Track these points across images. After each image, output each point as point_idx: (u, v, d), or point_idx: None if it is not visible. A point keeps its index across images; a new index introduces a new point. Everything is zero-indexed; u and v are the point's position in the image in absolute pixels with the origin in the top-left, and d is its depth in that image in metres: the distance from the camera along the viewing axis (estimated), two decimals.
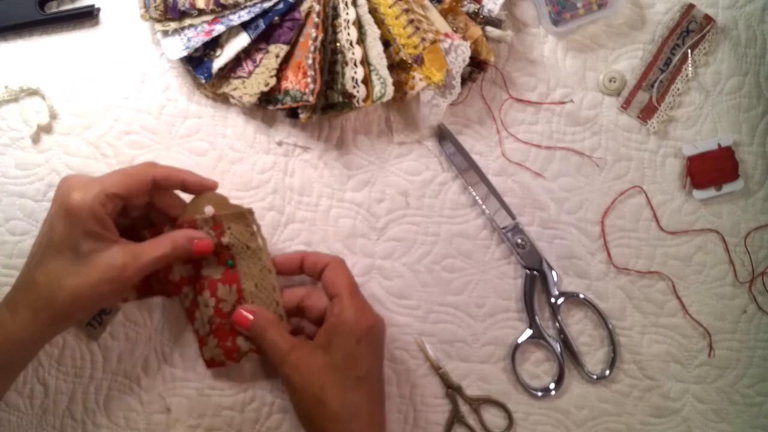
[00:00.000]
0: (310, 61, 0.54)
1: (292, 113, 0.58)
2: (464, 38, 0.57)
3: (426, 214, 0.59)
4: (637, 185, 0.61)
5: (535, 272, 0.59)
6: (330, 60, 0.55)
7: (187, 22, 0.56)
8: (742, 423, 0.60)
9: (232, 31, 0.57)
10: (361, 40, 0.55)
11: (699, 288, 0.61)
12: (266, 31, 0.56)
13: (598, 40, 0.63)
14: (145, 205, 0.52)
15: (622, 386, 0.59)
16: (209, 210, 0.52)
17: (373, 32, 0.55)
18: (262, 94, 0.56)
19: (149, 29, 0.59)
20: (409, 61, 0.56)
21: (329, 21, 0.56)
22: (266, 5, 0.56)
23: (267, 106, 0.57)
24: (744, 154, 0.62)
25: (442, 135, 0.60)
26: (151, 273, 0.53)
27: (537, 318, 0.58)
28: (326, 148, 0.59)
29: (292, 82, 0.56)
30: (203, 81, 0.57)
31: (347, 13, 0.55)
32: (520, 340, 0.58)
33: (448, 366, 0.58)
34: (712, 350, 0.60)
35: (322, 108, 0.56)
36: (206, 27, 0.56)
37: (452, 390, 0.58)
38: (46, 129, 0.58)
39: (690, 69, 0.62)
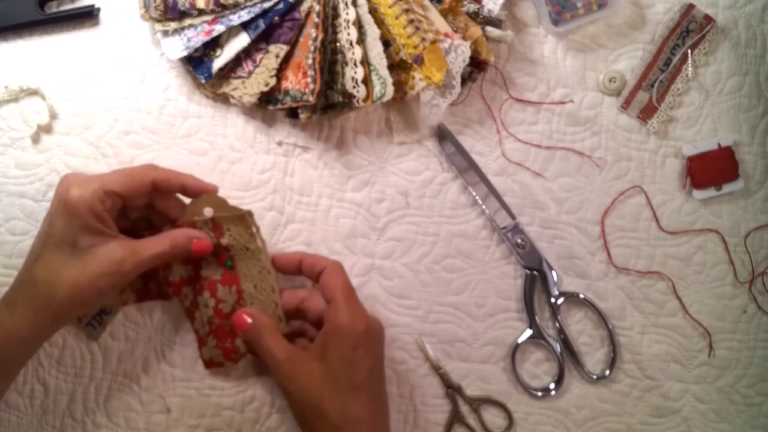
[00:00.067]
0: (310, 61, 0.54)
1: (292, 113, 0.58)
2: (464, 38, 0.57)
3: (426, 214, 0.59)
4: (637, 185, 0.61)
5: (535, 272, 0.59)
6: (330, 60, 0.55)
7: (187, 22, 0.56)
8: (742, 423, 0.60)
9: (232, 31, 0.57)
10: (361, 40, 0.55)
11: (699, 288, 0.61)
12: (266, 31, 0.56)
13: (598, 40, 0.63)
14: (144, 206, 0.52)
15: (622, 386, 0.59)
16: (208, 212, 0.52)
17: (373, 32, 0.55)
18: (262, 94, 0.56)
19: (149, 29, 0.59)
20: (409, 61, 0.56)
21: (329, 21, 0.56)
22: (266, 5, 0.56)
23: (267, 106, 0.57)
24: (744, 154, 0.62)
25: (442, 135, 0.60)
26: (151, 276, 0.53)
27: (537, 318, 0.58)
28: (326, 148, 0.59)
29: (292, 82, 0.56)
30: (203, 81, 0.57)
31: (347, 13, 0.55)
32: (520, 340, 0.58)
33: (448, 366, 0.58)
34: (712, 350, 0.60)
35: (322, 108, 0.56)
36: (206, 27, 0.56)
37: (452, 390, 0.58)
38: (46, 129, 0.58)
39: (690, 69, 0.62)
